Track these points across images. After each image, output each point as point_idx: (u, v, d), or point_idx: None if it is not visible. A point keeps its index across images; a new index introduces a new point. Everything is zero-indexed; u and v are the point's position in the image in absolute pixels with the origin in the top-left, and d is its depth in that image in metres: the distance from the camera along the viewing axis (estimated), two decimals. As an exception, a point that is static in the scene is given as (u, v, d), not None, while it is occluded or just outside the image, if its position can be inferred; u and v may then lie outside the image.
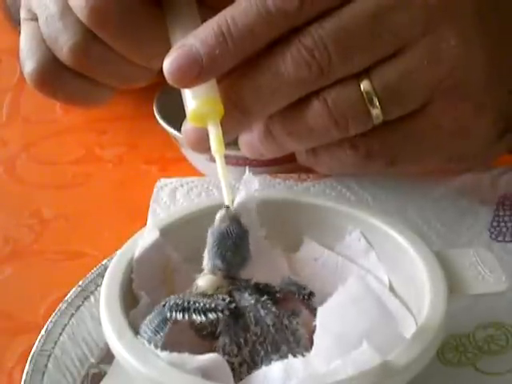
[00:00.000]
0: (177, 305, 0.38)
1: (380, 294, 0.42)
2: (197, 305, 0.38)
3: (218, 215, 0.41)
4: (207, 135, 0.43)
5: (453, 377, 0.43)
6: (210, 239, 0.41)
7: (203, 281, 0.40)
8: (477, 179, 0.55)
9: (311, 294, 0.41)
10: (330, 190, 0.55)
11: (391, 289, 0.44)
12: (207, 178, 0.56)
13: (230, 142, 0.47)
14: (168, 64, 0.42)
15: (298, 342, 0.39)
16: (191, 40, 0.42)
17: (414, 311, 0.42)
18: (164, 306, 0.39)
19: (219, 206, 0.41)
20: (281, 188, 0.55)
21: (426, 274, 0.41)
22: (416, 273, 0.42)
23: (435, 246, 0.49)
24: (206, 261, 0.41)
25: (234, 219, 0.41)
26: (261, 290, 0.40)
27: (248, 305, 0.39)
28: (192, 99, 0.43)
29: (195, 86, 0.43)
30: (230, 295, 0.40)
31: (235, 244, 0.40)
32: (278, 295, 0.40)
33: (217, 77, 0.43)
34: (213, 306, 0.38)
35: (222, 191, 0.42)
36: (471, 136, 0.47)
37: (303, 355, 0.37)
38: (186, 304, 0.38)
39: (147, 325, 0.38)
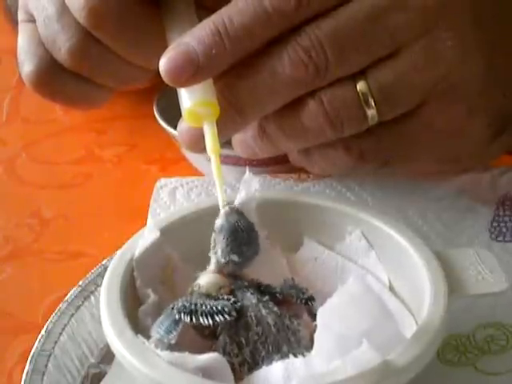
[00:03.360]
0: (184, 307, 0.38)
1: (380, 294, 0.42)
2: (203, 308, 0.38)
3: (223, 212, 0.41)
4: (203, 135, 0.42)
5: (453, 377, 0.43)
6: (219, 236, 0.40)
7: (205, 280, 0.40)
8: (477, 179, 0.55)
9: (310, 298, 0.41)
10: (330, 190, 0.55)
11: (391, 289, 0.44)
12: (207, 178, 0.56)
13: (231, 142, 0.47)
14: (164, 63, 0.42)
15: (299, 342, 0.39)
16: (187, 39, 0.42)
17: (413, 311, 0.42)
18: (173, 308, 0.39)
19: (219, 206, 0.41)
20: (281, 188, 0.55)
21: (426, 274, 0.41)
22: (416, 273, 0.42)
23: (435, 245, 0.49)
24: (217, 258, 0.40)
25: (240, 213, 0.41)
26: (262, 289, 0.40)
27: (250, 304, 0.39)
28: (188, 99, 0.43)
29: (191, 85, 0.42)
30: (233, 295, 0.40)
31: (248, 237, 0.40)
32: (278, 295, 0.40)
33: (213, 76, 0.43)
34: (219, 308, 0.38)
35: (217, 191, 0.42)
36: (464, 138, 0.47)
37: (304, 355, 0.37)
38: (193, 307, 0.38)
39: (159, 325, 0.38)
